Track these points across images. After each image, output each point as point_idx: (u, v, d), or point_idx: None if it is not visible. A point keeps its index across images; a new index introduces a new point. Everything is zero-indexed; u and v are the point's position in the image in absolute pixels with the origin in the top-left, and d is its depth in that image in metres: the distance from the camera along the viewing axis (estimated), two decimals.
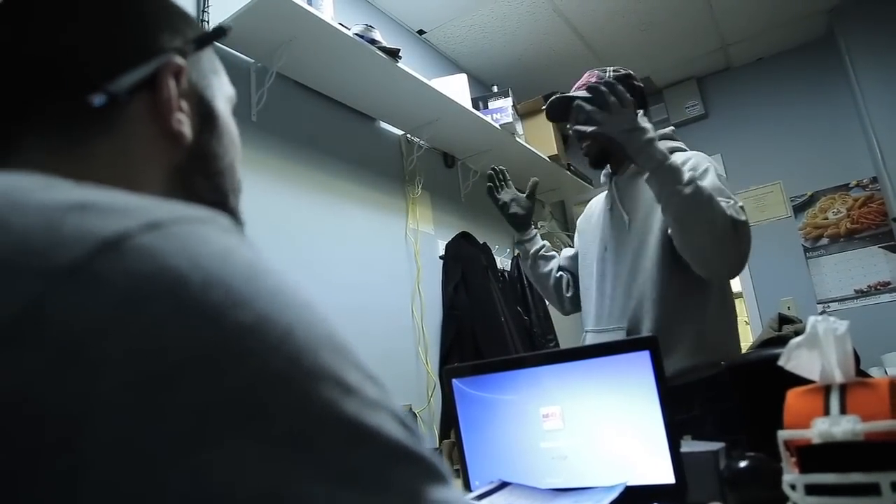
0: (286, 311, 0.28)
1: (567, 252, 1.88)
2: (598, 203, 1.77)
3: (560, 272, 1.85)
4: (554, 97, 1.62)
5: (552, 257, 1.86)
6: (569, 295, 1.82)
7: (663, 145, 1.56)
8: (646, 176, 1.38)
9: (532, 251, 1.84)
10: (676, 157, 1.53)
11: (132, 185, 0.42)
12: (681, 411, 1.31)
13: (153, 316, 0.25)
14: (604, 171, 1.70)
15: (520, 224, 1.83)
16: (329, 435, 0.26)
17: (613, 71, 1.61)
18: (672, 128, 1.70)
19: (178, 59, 0.46)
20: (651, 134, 1.37)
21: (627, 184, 1.60)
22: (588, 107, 1.39)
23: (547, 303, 3.20)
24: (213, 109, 0.50)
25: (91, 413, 0.23)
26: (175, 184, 0.45)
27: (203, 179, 0.48)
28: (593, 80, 1.58)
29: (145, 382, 0.24)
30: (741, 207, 1.38)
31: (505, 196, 1.83)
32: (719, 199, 1.33)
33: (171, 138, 0.45)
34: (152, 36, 0.46)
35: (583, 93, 1.56)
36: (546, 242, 1.88)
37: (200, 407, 0.24)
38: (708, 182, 1.40)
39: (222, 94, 0.52)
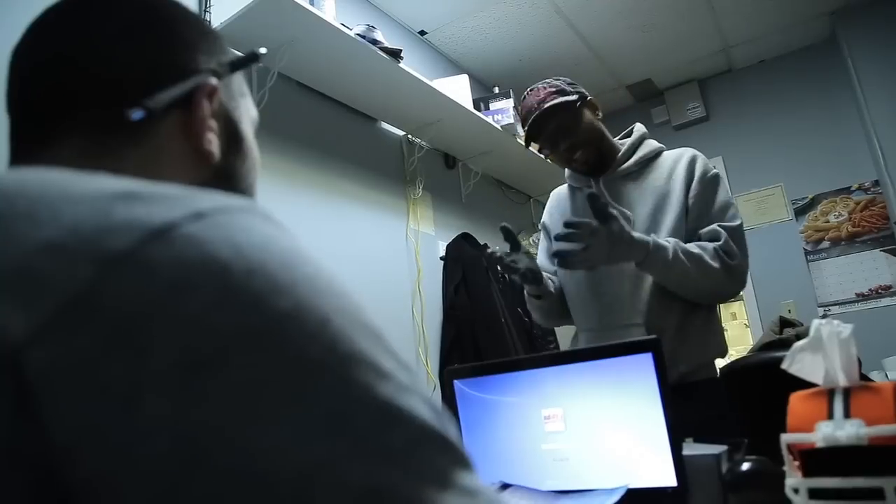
0: (324, 298, 0.29)
1: (548, 266, 1.68)
2: (565, 204, 1.66)
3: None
4: (542, 111, 1.48)
5: (555, 285, 1.64)
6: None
7: (648, 146, 1.57)
8: (637, 264, 1.35)
9: (549, 295, 1.58)
10: (667, 155, 1.55)
11: None
12: (701, 409, 1.30)
13: (199, 302, 0.26)
14: (570, 171, 1.62)
15: (536, 277, 1.51)
16: (366, 416, 0.27)
17: (556, 79, 1.53)
18: (644, 129, 1.63)
19: (213, 81, 0.48)
20: (628, 235, 1.29)
21: (619, 184, 1.55)
22: (569, 246, 1.30)
23: None
24: (240, 131, 0.52)
25: (140, 392, 0.24)
26: None
27: None
28: (553, 89, 1.50)
29: (190, 365, 0.25)
30: (734, 220, 1.42)
31: (521, 262, 1.47)
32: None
33: (200, 156, 0.47)
34: (191, 57, 0.48)
35: (562, 98, 1.47)
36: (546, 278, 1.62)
37: (243, 388, 0.25)
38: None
39: (248, 116, 0.54)
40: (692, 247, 1.37)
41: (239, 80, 0.54)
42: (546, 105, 1.47)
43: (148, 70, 0.46)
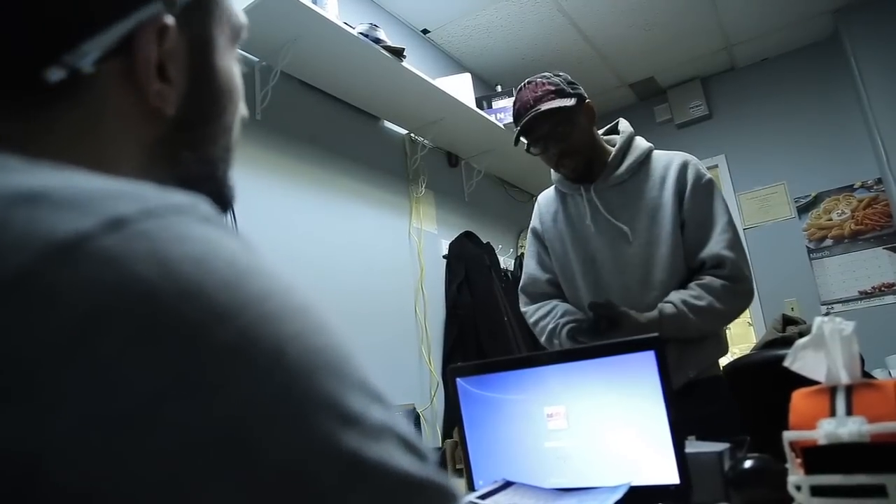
0: (277, 323, 0.24)
1: (546, 274, 1.63)
2: (555, 208, 1.60)
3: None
4: (534, 116, 1.43)
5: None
6: None
7: (637, 149, 1.51)
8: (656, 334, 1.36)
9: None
10: (657, 158, 1.51)
11: (99, 159, 0.35)
12: (703, 406, 1.31)
13: (115, 342, 0.21)
14: (558, 177, 1.57)
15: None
16: (327, 473, 0.23)
17: (556, 75, 1.47)
18: (630, 129, 1.58)
19: (162, 13, 0.36)
20: (638, 323, 1.35)
21: (612, 192, 1.49)
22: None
23: None
24: (210, 66, 0.41)
25: (42, 462, 0.19)
26: (156, 156, 0.39)
27: (189, 152, 0.41)
28: (552, 87, 1.44)
29: (106, 423, 0.20)
30: (730, 230, 1.42)
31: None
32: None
33: (150, 111, 0.38)
34: None
35: (558, 101, 1.41)
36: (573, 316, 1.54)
37: (178, 448, 0.21)
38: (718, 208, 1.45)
39: (225, 35, 0.43)
40: (700, 298, 1.37)
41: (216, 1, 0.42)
42: (542, 108, 1.41)
43: (71, 13, 0.34)
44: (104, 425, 0.20)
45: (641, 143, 1.55)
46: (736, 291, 1.39)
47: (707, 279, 1.39)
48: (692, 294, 1.38)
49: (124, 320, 0.21)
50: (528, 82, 1.47)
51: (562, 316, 1.52)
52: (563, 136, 1.44)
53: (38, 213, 0.23)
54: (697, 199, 1.44)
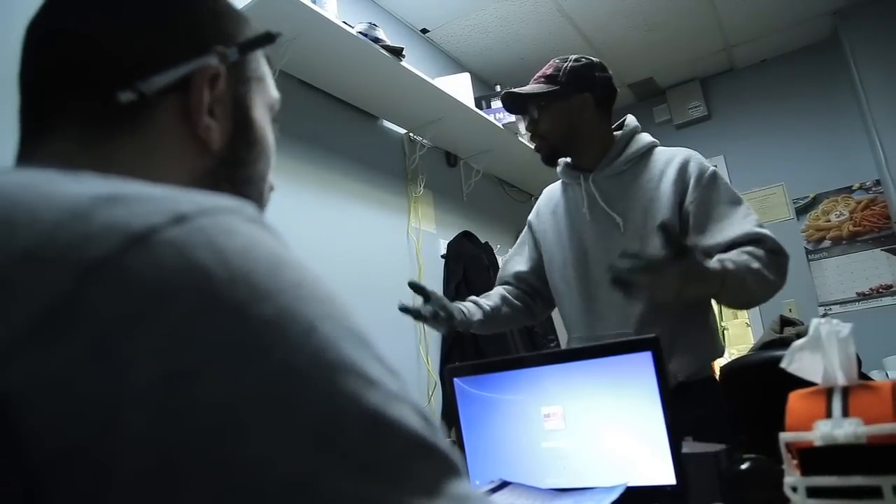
0: (310, 304, 0.28)
1: (518, 265, 1.66)
2: (556, 200, 1.62)
3: (507, 299, 1.61)
4: (505, 92, 1.52)
5: (486, 307, 1.55)
6: (536, 305, 1.65)
7: (639, 142, 1.51)
8: (714, 294, 1.31)
9: (478, 321, 1.51)
10: (659, 153, 1.50)
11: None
12: (691, 409, 1.29)
13: (179, 312, 0.25)
14: (562, 167, 1.59)
15: (447, 322, 1.42)
16: (354, 426, 0.26)
17: (574, 61, 1.51)
18: (635, 123, 1.59)
19: (216, 64, 0.45)
20: (704, 269, 1.19)
21: (610, 182, 1.50)
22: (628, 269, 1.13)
23: None
24: (249, 117, 0.49)
25: (120, 406, 0.23)
26: (201, 187, 0.44)
27: (229, 186, 0.47)
28: (550, 70, 1.50)
29: (172, 377, 0.24)
30: (751, 214, 1.38)
31: (426, 309, 1.38)
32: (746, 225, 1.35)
33: (199, 143, 0.45)
34: (194, 37, 0.46)
35: (536, 86, 1.48)
36: (471, 305, 1.53)
37: (226, 400, 0.24)
38: (725, 197, 1.41)
39: (263, 100, 0.51)
40: (751, 261, 1.27)
41: (255, 61, 0.51)
42: (514, 89, 1.50)
43: (146, 51, 0.43)
44: (170, 378, 0.24)
45: (644, 137, 1.54)
46: (780, 264, 1.32)
47: (750, 248, 1.31)
48: (743, 258, 1.28)
49: (187, 295, 0.26)
50: (552, 60, 1.54)
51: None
52: (532, 117, 1.51)
53: (117, 210, 0.28)
54: (706, 190, 1.41)
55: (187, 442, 0.24)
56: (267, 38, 0.50)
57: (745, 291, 1.28)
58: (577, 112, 1.49)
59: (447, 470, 0.28)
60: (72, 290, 0.25)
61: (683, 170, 1.44)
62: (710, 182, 1.42)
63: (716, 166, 1.49)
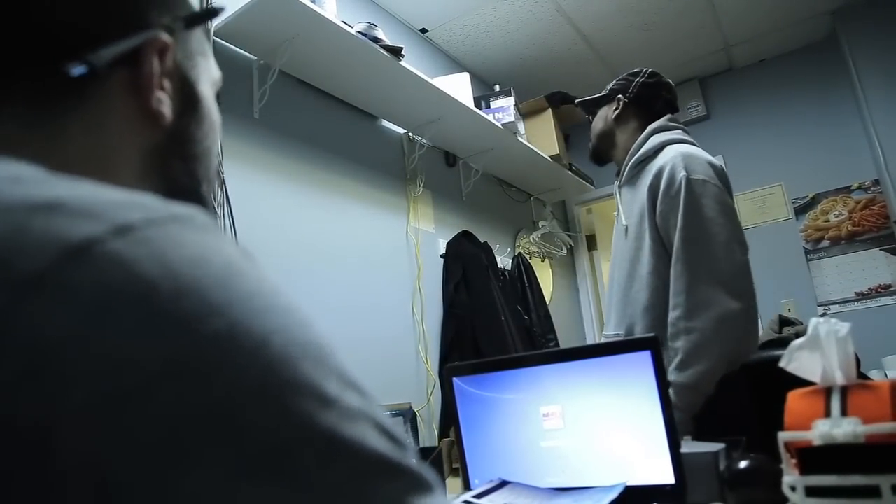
0: (263, 317, 0.27)
1: None
2: None
3: None
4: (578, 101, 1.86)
5: None
6: None
7: (649, 145, 1.55)
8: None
9: None
10: (658, 158, 1.51)
11: (105, 165, 0.40)
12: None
13: (122, 328, 0.24)
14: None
15: None
16: (306, 449, 0.25)
17: (632, 73, 1.75)
18: (654, 125, 1.63)
19: (165, 37, 0.44)
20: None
21: (625, 188, 1.63)
22: None
23: (547, 302, 3.21)
24: (197, 92, 0.48)
25: (57, 430, 0.22)
26: (151, 165, 0.44)
27: (180, 163, 0.46)
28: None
29: (112, 398, 0.23)
30: (737, 246, 1.38)
31: None
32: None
33: (150, 117, 0.43)
34: (141, 9, 0.44)
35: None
36: None
37: (171, 422, 0.23)
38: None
39: (208, 76, 0.50)
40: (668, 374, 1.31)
41: (198, 37, 0.50)
42: (580, 98, 1.82)
43: (92, 24, 0.41)
44: (110, 400, 0.23)
45: (653, 141, 1.56)
46: (705, 329, 1.31)
47: (670, 330, 1.36)
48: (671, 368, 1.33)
49: (129, 312, 0.24)
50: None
51: None
52: (590, 118, 1.79)
53: (55, 220, 0.26)
54: (672, 201, 1.42)
55: (129, 464, 0.22)
56: (211, 12, 0.50)
57: (696, 396, 1.33)
58: (609, 115, 1.67)
59: (413, 487, 0.27)
60: (5, 306, 0.23)
61: (658, 177, 1.46)
62: (676, 194, 1.41)
63: (687, 173, 1.44)
